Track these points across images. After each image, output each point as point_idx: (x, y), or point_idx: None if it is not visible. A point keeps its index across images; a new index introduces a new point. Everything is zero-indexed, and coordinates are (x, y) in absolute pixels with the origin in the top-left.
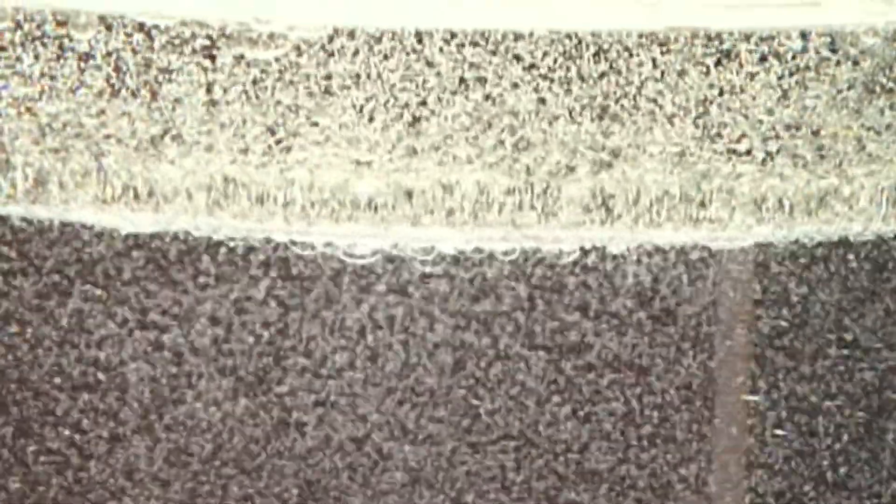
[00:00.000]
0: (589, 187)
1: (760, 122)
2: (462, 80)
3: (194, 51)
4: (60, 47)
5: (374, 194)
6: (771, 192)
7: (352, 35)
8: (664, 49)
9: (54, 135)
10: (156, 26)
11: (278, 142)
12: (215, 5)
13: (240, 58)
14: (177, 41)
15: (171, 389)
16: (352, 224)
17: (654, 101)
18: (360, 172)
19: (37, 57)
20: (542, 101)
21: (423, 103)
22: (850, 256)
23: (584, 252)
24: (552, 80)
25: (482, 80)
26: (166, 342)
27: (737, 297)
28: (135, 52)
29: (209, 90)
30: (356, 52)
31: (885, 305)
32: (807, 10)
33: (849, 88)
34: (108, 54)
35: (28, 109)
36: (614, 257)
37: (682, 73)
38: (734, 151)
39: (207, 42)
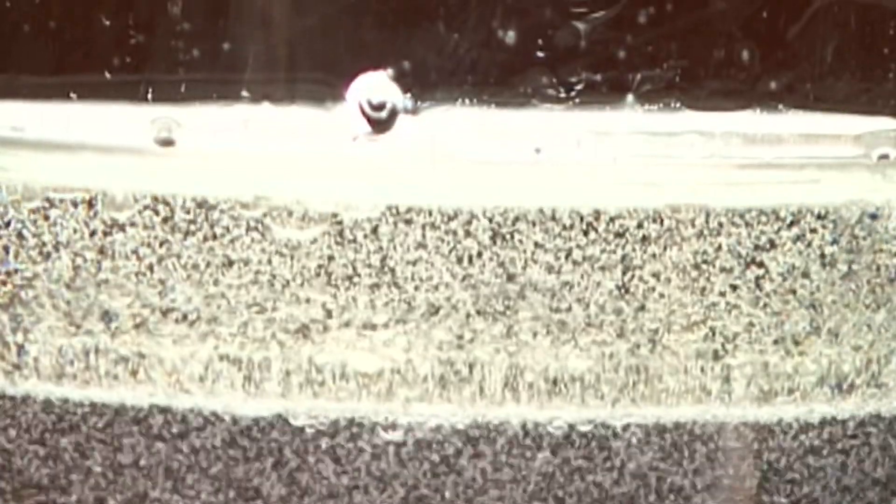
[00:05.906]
0: (588, 366)
1: (758, 298)
2: (496, 262)
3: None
4: (93, 228)
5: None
6: (775, 371)
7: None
8: (664, 226)
9: (74, 316)
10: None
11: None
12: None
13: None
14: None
15: None
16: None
17: (659, 277)
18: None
19: (67, 241)
20: (567, 283)
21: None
22: (856, 433)
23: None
24: (563, 257)
25: (510, 261)
26: None
27: (738, 474)
28: (163, 240)
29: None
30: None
31: (891, 487)
32: (807, 187)
33: (848, 268)
34: (137, 236)
35: (44, 290)
36: (612, 434)
37: (681, 251)
38: (739, 325)
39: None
